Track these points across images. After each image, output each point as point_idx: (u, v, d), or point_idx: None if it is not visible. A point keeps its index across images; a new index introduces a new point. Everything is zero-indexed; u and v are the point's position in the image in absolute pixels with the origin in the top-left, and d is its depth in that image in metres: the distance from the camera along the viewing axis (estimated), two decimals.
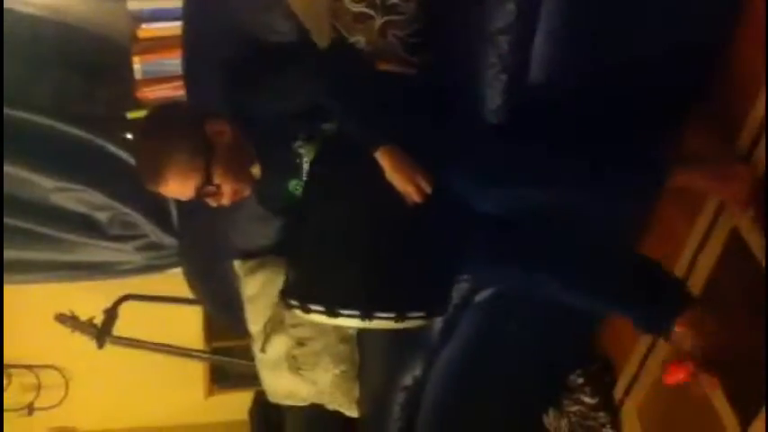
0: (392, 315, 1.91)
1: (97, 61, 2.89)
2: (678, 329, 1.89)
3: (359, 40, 2.14)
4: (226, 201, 2.06)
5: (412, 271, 1.96)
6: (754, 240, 1.94)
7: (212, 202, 2.05)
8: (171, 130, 2.01)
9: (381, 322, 1.91)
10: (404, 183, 1.89)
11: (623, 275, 2.01)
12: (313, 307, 1.94)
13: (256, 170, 2.12)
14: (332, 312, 1.91)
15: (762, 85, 1.91)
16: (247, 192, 2.11)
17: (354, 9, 2.13)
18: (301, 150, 2.09)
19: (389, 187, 1.90)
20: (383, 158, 1.89)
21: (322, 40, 2.21)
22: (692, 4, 1.97)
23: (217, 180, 2.00)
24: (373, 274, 1.93)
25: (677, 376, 1.99)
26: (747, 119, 1.96)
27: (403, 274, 1.95)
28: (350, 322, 1.93)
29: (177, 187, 1.99)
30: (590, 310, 2.14)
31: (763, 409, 1.91)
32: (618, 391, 2.63)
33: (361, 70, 2.10)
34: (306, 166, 2.10)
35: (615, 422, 2.62)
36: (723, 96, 2.05)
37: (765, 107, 1.89)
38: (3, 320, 3.35)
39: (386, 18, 2.12)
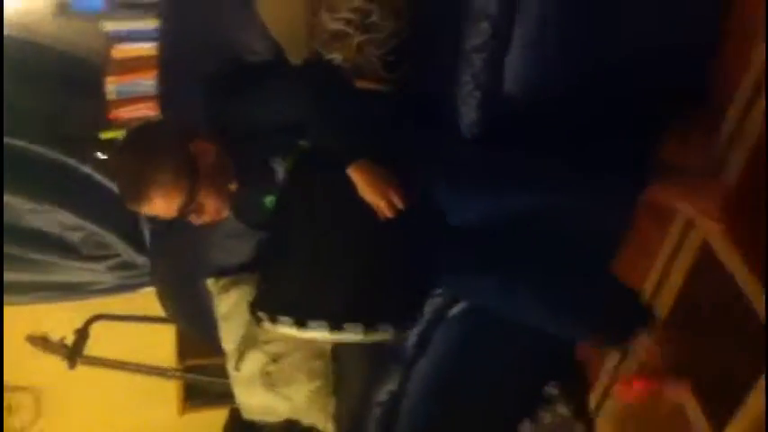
0: (361, 327, 1.92)
1: (70, 81, 2.89)
2: (638, 344, 1.90)
3: (336, 57, 2.16)
4: (208, 219, 2.06)
5: (382, 283, 1.97)
6: (724, 252, 1.99)
7: (195, 221, 2.05)
8: (155, 148, 2.00)
9: (350, 335, 1.92)
10: (375, 198, 1.91)
11: (592, 294, 2.05)
12: (281, 318, 1.95)
13: (234, 186, 2.13)
14: (300, 323, 1.92)
15: (733, 99, 1.96)
16: (227, 212, 2.12)
17: (332, 27, 2.15)
18: (278, 167, 2.10)
19: (362, 201, 1.92)
20: (355, 174, 1.91)
21: (298, 58, 2.23)
22: (663, 23, 2.01)
23: (201, 199, 2.00)
24: (342, 285, 1.94)
25: (628, 395, 2.01)
26: (719, 131, 2.00)
27: (373, 287, 1.96)
28: (318, 334, 1.94)
29: (161, 206, 1.99)
30: (554, 328, 2.15)
31: (735, 416, 1.96)
32: (592, 402, 2.65)
33: (336, 86, 2.11)
34: (282, 182, 2.12)
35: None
36: (697, 110, 2.09)
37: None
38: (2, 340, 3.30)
39: (364, 36, 2.15)
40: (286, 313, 1.94)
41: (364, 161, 1.91)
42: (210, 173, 2.02)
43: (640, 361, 1.95)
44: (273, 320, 1.96)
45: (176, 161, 1.98)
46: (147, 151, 2.01)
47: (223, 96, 2.16)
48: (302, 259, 1.98)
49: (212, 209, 2.04)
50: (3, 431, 3.66)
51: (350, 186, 1.92)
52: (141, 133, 2.15)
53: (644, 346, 1.90)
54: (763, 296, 1.84)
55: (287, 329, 1.96)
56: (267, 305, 2.01)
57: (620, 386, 2.02)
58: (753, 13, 1.89)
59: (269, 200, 2.15)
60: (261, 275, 2.21)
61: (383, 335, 1.98)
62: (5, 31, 2.77)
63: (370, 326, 1.93)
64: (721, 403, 2.01)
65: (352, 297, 1.94)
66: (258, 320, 2.03)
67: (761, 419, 1.86)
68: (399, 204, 1.90)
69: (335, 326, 1.91)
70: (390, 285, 1.99)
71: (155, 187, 1.95)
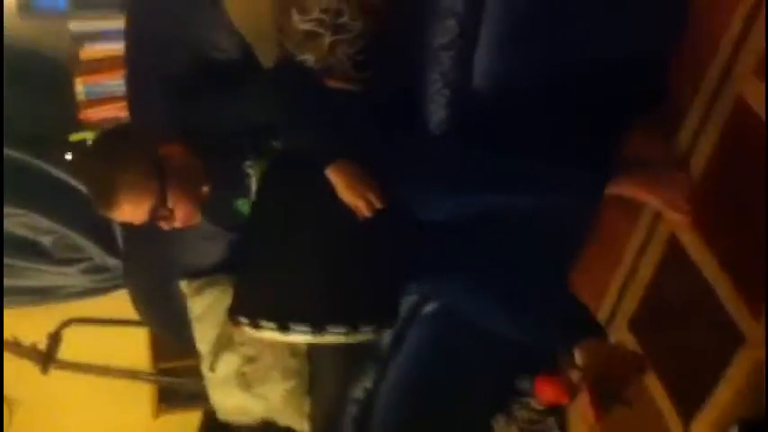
0: (343, 329, 1.93)
1: (39, 82, 2.87)
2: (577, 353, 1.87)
3: (308, 58, 2.16)
4: (179, 224, 2.06)
5: (362, 285, 1.98)
6: (691, 245, 2.01)
7: (165, 226, 2.05)
8: (123, 153, 2.00)
9: (333, 337, 1.93)
10: (354, 198, 1.91)
11: (550, 302, 2.03)
12: (263, 323, 1.95)
13: (206, 189, 2.13)
14: (283, 328, 1.92)
15: (698, 89, 1.98)
16: (198, 218, 2.12)
17: (303, 27, 2.15)
18: (250, 170, 2.10)
19: (339, 202, 1.92)
20: (333, 175, 1.91)
21: (268, 57, 2.22)
22: (626, 23, 2.02)
23: (170, 203, 2.00)
24: (324, 288, 1.95)
25: (547, 395, 2.02)
26: (684, 125, 2.03)
27: (353, 288, 1.97)
28: (301, 338, 1.95)
29: (131, 211, 1.99)
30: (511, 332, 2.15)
31: (704, 407, 1.98)
32: None
33: (308, 87, 2.11)
34: (254, 185, 2.12)
35: (563, 425, 2.66)
36: (661, 103, 2.11)
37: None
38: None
39: (335, 36, 2.15)
40: (268, 318, 1.94)
41: (342, 162, 1.92)
42: (180, 176, 2.02)
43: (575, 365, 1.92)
44: (255, 326, 1.96)
45: (144, 165, 1.98)
46: (114, 156, 2.01)
47: (191, 99, 2.15)
48: (281, 263, 1.99)
49: (182, 214, 2.04)
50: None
51: (325, 187, 1.92)
52: (109, 138, 2.15)
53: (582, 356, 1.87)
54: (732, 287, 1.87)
55: (269, 334, 1.96)
56: (248, 310, 2.00)
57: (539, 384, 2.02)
58: (715, 12, 1.92)
59: (240, 202, 2.15)
60: (238, 279, 2.21)
61: (365, 335, 1.99)
62: None
63: (352, 327, 1.94)
64: (690, 395, 2.03)
65: (333, 299, 1.95)
66: (238, 325, 2.02)
67: (729, 411, 1.89)
68: (377, 204, 1.91)
69: (318, 329, 1.92)
70: (370, 285, 2.00)
71: (123, 192, 1.95)
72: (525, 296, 2.01)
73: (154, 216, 2.00)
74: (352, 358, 2.50)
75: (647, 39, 2.05)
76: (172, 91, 2.24)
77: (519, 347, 2.67)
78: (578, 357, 1.83)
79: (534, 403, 2.67)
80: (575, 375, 1.92)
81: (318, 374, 2.70)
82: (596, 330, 1.92)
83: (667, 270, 2.13)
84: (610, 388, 1.76)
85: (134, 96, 2.53)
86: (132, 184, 1.95)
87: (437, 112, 2.02)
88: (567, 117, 2.03)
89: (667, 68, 2.08)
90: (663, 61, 2.07)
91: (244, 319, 1.99)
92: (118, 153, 2.01)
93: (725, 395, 1.90)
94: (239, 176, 2.12)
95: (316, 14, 2.14)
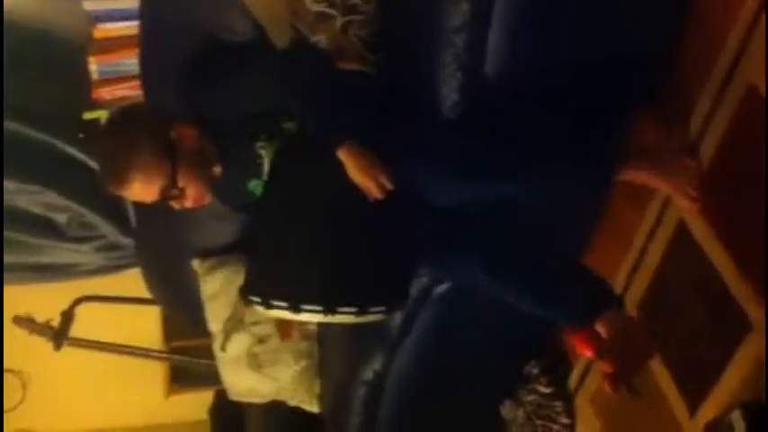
0: (354, 309, 1.93)
1: (53, 62, 2.88)
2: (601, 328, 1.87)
3: (321, 39, 2.16)
4: (189, 204, 2.08)
5: (373, 265, 1.99)
6: (699, 231, 2.01)
7: (175, 206, 2.06)
8: (135, 132, 2.02)
9: (343, 317, 1.93)
10: (365, 179, 1.91)
11: (559, 277, 2.01)
12: (275, 303, 1.95)
13: (218, 169, 2.14)
14: (294, 308, 1.93)
15: (707, 78, 1.97)
16: (209, 198, 2.13)
17: (315, 9, 2.15)
18: (262, 150, 2.11)
19: (350, 183, 1.92)
20: (344, 155, 1.91)
21: (281, 39, 2.23)
22: (636, 8, 2.01)
23: (181, 183, 2.02)
24: (335, 269, 1.95)
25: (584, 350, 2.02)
26: (694, 112, 2.02)
27: (364, 269, 1.97)
28: (312, 317, 1.95)
29: (141, 190, 2.01)
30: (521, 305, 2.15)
31: (710, 393, 1.99)
32: (572, 381, 2.69)
33: (321, 69, 2.10)
34: (266, 166, 2.12)
35: (570, 410, 2.67)
36: (671, 90, 2.11)
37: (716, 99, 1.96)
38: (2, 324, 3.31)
39: (347, 18, 2.15)
40: (279, 298, 1.94)
41: (353, 143, 1.91)
42: (191, 157, 2.03)
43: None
44: (267, 305, 1.97)
45: (156, 145, 1.99)
46: (126, 135, 2.03)
47: (204, 81, 2.16)
48: (292, 243, 1.99)
49: (193, 194, 2.06)
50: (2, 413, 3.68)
51: (337, 169, 1.92)
52: (121, 118, 2.17)
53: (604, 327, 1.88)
54: (739, 274, 1.87)
55: (281, 313, 1.97)
56: (260, 290, 2.01)
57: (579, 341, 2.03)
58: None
59: (253, 183, 2.16)
60: (250, 259, 2.22)
61: (375, 316, 1.99)
62: None
63: (362, 307, 1.94)
64: (696, 381, 2.04)
65: (344, 279, 1.95)
66: (250, 304, 2.04)
67: (735, 397, 1.89)
68: (388, 185, 1.91)
69: (329, 309, 1.91)
70: (380, 266, 2.01)
71: (134, 171, 1.97)
72: (545, 273, 2.01)
73: (164, 196, 2.02)
74: (361, 340, 2.51)
75: (658, 20, 2.04)
76: (186, 72, 2.25)
77: (528, 332, 2.70)
78: (601, 329, 1.84)
79: (541, 388, 2.69)
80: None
81: (328, 356, 2.72)
82: (617, 301, 1.93)
83: (675, 256, 2.13)
84: (628, 364, 1.78)
85: (148, 77, 2.55)
86: (144, 164, 1.97)
87: (450, 95, 2.02)
88: (578, 103, 2.03)
89: (676, 51, 2.07)
90: (672, 44, 2.07)
91: (256, 299, 2.00)
92: (130, 133, 2.03)
93: (731, 381, 1.91)
94: (251, 157, 2.12)
95: None
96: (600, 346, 1.83)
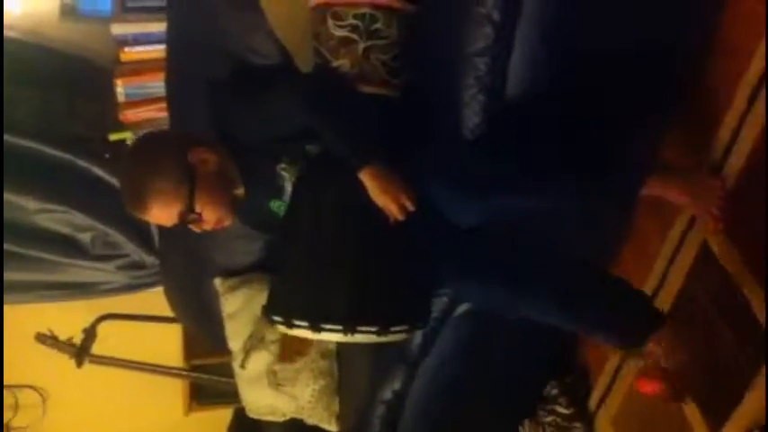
0: (374, 329, 1.94)
1: (80, 84, 2.92)
2: (650, 346, 1.94)
3: (343, 63, 2.19)
4: (208, 227, 2.10)
5: (394, 285, 1.99)
6: (722, 252, 2.02)
7: (195, 229, 2.09)
8: (154, 158, 2.04)
9: (364, 336, 1.94)
10: (387, 201, 1.92)
11: (597, 293, 2.04)
12: (296, 322, 1.96)
13: (241, 191, 2.16)
14: (315, 327, 1.94)
15: (733, 96, 1.98)
16: (229, 220, 2.15)
17: (338, 34, 2.18)
18: (284, 172, 2.13)
19: (372, 205, 1.94)
20: (366, 178, 1.92)
21: (305, 63, 2.25)
22: (664, 17, 2.02)
23: (199, 208, 2.03)
24: (356, 288, 1.95)
25: (651, 387, 2.05)
26: (719, 132, 2.03)
27: (385, 289, 1.98)
28: (333, 336, 1.96)
29: (160, 214, 2.03)
30: (560, 326, 2.16)
31: (732, 415, 1.99)
32: (592, 402, 2.69)
33: (344, 92, 2.13)
34: (288, 187, 2.14)
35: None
36: (696, 110, 2.12)
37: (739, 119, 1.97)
38: (2, 340, 3.33)
39: (369, 42, 2.17)
40: (301, 318, 1.96)
41: (375, 165, 1.93)
42: (210, 182, 2.05)
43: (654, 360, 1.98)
44: (289, 325, 1.98)
45: (175, 170, 2.01)
46: (145, 161, 2.05)
47: (229, 103, 2.19)
48: (314, 263, 2.00)
49: (212, 218, 2.07)
50: (2, 426, 3.68)
51: (358, 190, 1.93)
52: (142, 143, 2.20)
53: (655, 346, 1.93)
54: (763, 296, 1.87)
55: (302, 333, 1.98)
56: (282, 309, 2.03)
57: (642, 378, 2.05)
58: (751, 11, 1.92)
59: (275, 204, 2.18)
60: (273, 278, 2.23)
61: (396, 336, 2.00)
62: (13, 34, 2.81)
63: (383, 328, 1.95)
64: (719, 403, 2.03)
65: (365, 300, 1.96)
66: (273, 323, 2.05)
67: (758, 419, 1.89)
68: (410, 207, 1.93)
69: (349, 329, 1.92)
70: (401, 286, 2.01)
71: (152, 196, 1.99)
72: (584, 294, 2.03)
73: (183, 220, 2.03)
74: (381, 359, 2.51)
75: (678, 43, 2.06)
76: (211, 94, 2.28)
77: (549, 352, 2.71)
78: (654, 349, 1.89)
79: (561, 408, 2.69)
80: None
81: (348, 375, 2.72)
82: (661, 319, 1.96)
83: (699, 276, 2.13)
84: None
85: (174, 99, 2.58)
86: (161, 190, 1.99)
87: (472, 117, 2.04)
88: (601, 121, 2.04)
89: (699, 71, 2.09)
90: (693, 64, 2.09)
91: (278, 318, 2.02)
92: (149, 158, 2.05)
93: (754, 403, 1.90)
94: (274, 178, 2.14)
95: (350, 21, 2.17)
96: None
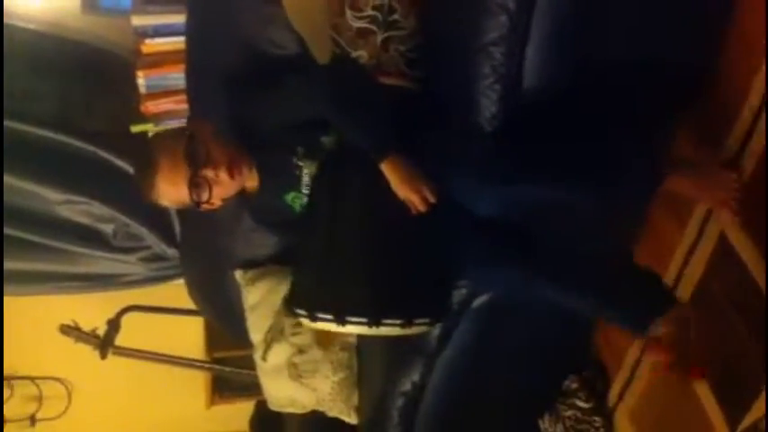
0: (399, 321, 1.95)
1: (102, 75, 2.95)
2: (664, 329, 1.93)
3: (362, 54, 2.19)
4: (223, 189, 2.05)
5: (417, 277, 2.00)
6: (740, 244, 2.00)
7: (210, 196, 2.03)
8: (156, 137, 2.15)
9: (388, 329, 1.96)
10: (408, 192, 1.93)
11: (615, 278, 2.05)
12: (320, 315, 1.98)
13: (253, 182, 2.17)
14: (340, 320, 1.95)
15: (749, 89, 1.97)
16: (246, 179, 2.12)
17: (357, 25, 2.18)
18: (301, 163, 2.14)
19: (394, 196, 1.94)
20: (388, 169, 1.93)
21: (323, 54, 2.26)
22: (682, 10, 2.01)
23: (202, 153, 1.99)
24: (380, 281, 1.97)
25: (657, 354, 2.03)
26: (735, 125, 2.01)
27: (409, 281, 1.99)
28: (358, 329, 1.97)
29: (168, 176, 1.99)
30: (579, 309, 2.15)
31: (751, 408, 1.97)
32: (611, 396, 2.68)
33: (363, 83, 2.14)
34: (305, 179, 2.14)
35: (609, 426, 2.66)
36: (711, 103, 2.10)
37: (753, 113, 1.95)
38: (3, 331, 3.37)
39: (387, 33, 2.18)
40: (325, 311, 1.97)
41: (396, 157, 1.93)
42: (212, 139, 2.04)
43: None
44: (313, 318, 1.99)
45: (175, 138, 2.04)
46: (151, 144, 2.12)
47: (247, 94, 2.20)
48: (337, 257, 2.01)
49: (225, 176, 2.02)
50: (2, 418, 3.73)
51: (380, 183, 1.94)
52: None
53: (670, 330, 1.92)
54: None
55: (326, 326, 1.99)
56: (305, 302, 2.04)
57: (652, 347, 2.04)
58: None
59: (290, 196, 2.18)
60: (295, 272, 2.24)
61: (420, 328, 2.02)
62: (34, 28, 2.84)
63: (407, 320, 1.96)
64: (737, 396, 2.02)
65: (389, 292, 1.97)
66: (296, 316, 2.05)
67: None
68: (431, 199, 1.93)
69: (374, 321, 1.94)
70: (424, 279, 2.02)
71: (158, 159, 2.00)
72: (598, 279, 2.03)
73: (194, 181, 1.98)
74: (400, 351, 2.52)
75: (692, 33, 2.04)
76: (229, 85, 2.29)
77: (568, 345, 2.69)
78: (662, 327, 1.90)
79: (580, 402, 2.67)
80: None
81: (367, 368, 2.72)
82: (672, 299, 1.96)
83: (717, 270, 2.12)
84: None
85: (194, 91, 2.59)
86: (166, 151, 2.00)
87: (489, 107, 2.03)
88: (617, 110, 2.03)
89: (715, 62, 2.08)
90: (710, 56, 2.07)
91: (302, 312, 2.03)
92: (154, 140, 2.10)
93: None
94: (289, 170, 2.15)
95: (368, 11, 2.17)
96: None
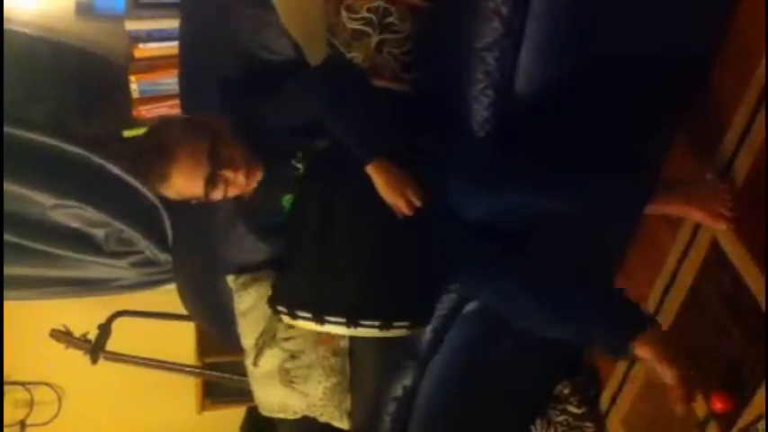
0: (377, 323, 1.94)
1: (94, 80, 2.94)
2: (639, 350, 1.89)
3: (355, 56, 2.20)
4: (235, 190, 2.05)
5: (398, 280, 2.00)
6: (733, 251, 2.00)
7: (224, 196, 2.03)
8: (173, 126, 2.06)
9: (366, 330, 1.95)
10: (394, 196, 1.93)
11: (594, 300, 2.02)
12: (300, 313, 1.98)
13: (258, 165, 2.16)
14: (318, 319, 1.95)
15: (739, 103, 1.98)
16: (260, 175, 2.12)
17: (352, 26, 2.19)
18: (299, 165, 2.14)
19: (379, 199, 1.94)
20: (373, 172, 1.93)
21: (318, 56, 2.26)
22: (674, 16, 2.02)
23: (226, 154, 1.99)
24: (360, 282, 1.96)
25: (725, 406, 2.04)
26: (727, 133, 2.02)
27: (389, 283, 1.98)
28: (335, 329, 1.97)
29: (186, 171, 1.98)
30: (560, 334, 2.14)
31: (743, 415, 1.97)
32: (603, 402, 2.68)
33: (356, 84, 2.13)
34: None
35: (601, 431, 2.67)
36: (705, 106, 2.11)
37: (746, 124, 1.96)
38: (2, 336, 3.36)
39: (382, 36, 2.18)
40: (305, 309, 1.97)
41: (383, 160, 1.93)
42: (231, 135, 2.04)
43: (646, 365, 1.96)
44: (293, 315, 1.99)
45: (195, 127, 2.02)
46: (165, 129, 2.07)
47: (243, 100, 2.20)
48: (319, 256, 2.01)
49: (243, 167, 2.03)
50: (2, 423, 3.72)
51: (365, 185, 1.94)
52: (158, 122, 2.21)
53: (646, 350, 1.90)
54: None
55: (305, 324, 1.99)
56: (286, 300, 2.04)
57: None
58: (760, 12, 1.91)
59: (286, 199, 2.18)
60: (279, 270, 2.24)
61: (398, 331, 2.00)
62: (28, 32, 2.83)
63: (385, 322, 1.95)
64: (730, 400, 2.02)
65: (368, 294, 1.97)
66: (277, 313, 2.06)
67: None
68: (417, 203, 1.93)
69: (352, 322, 1.93)
70: (406, 282, 2.01)
71: (178, 150, 1.97)
72: (573, 297, 2.01)
73: (214, 175, 1.98)
74: (392, 356, 2.52)
75: (687, 41, 2.05)
76: (224, 91, 2.29)
77: (560, 351, 2.69)
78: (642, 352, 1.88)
79: (572, 408, 2.68)
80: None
81: (359, 373, 2.73)
82: (650, 322, 1.93)
83: (709, 276, 2.12)
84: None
85: (187, 97, 2.60)
86: (185, 141, 1.98)
87: (481, 112, 2.04)
88: (609, 118, 2.04)
89: (708, 71, 2.08)
90: (703, 64, 2.08)
91: (282, 308, 2.03)
92: (168, 126, 2.07)
93: (764, 403, 1.89)
94: (287, 173, 2.15)
95: (363, 13, 2.18)
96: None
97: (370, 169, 1.93)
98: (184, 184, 2.00)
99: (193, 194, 2.02)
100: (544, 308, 2.01)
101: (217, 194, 2.02)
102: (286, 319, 2.02)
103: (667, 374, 1.85)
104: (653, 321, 1.93)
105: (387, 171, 1.93)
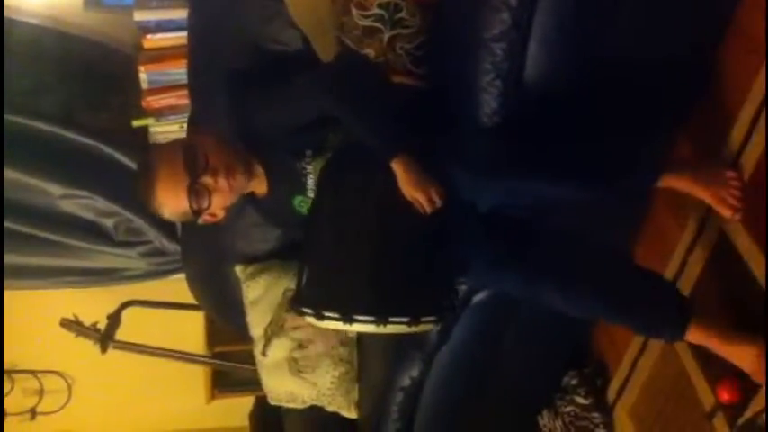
0: (406, 320, 1.93)
1: (104, 71, 2.95)
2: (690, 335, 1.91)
3: (368, 53, 2.20)
4: (222, 197, 2.05)
5: (424, 276, 2.00)
6: (740, 242, 2.00)
7: (210, 203, 2.03)
8: (155, 149, 2.20)
9: (395, 327, 1.94)
10: (416, 193, 1.92)
11: (623, 284, 2.02)
12: (327, 314, 1.96)
13: (262, 186, 2.18)
14: (347, 319, 1.94)
15: (749, 89, 1.96)
16: (244, 186, 2.14)
17: (363, 23, 2.18)
18: (308, 166, 2.14)
19: (401, 196, 1.94)
20: (397, 168, 1.92)
21: (327, 52, 2.26)
22: (681, 10, 2.01)
23: (202, 161, 1.99)
24: (386, 279, 1.96)
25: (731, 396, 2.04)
26: (735, 123, 2.01)
27: (416, 280, 1.98)
28: (365, 328, 1.95)
29: (168, 186, 2.00)
30: (588, 317, 2.13)
31: (749, 407, 1.97)
32: (610, 392, 2.67)
33: (372, 81, 2.14)
34: (311, 183, 2.15)
35: (608, 422, 2.66)
36: (711, 101, 2.10)
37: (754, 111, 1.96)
38: (2, 324, 3.38)
39: (394, 32, 2.18)
40: (333, 310, 1.96)
41: (405, 156, 1.92)
42: (212, 146, 2.04)
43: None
44: (319, 317, 1.98)
45: (175, 147, 2.05)
46: (151, 154, 2.12)
47: (251, 92, 2.20)
48: (343, 255, 2.00)
49: (224, 183, 2.02)
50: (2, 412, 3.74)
51: (385, 180, 1.93)
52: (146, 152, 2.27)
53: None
54: None
55: (333, 324, 1.98)
56: (312, 302, 2.02)
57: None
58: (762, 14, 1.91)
59: (297, 200, 2.19)
60: (301, 270, 2.23)
61: (427, 326, 2.01)
62: (37, 23, 2.85)
63: (414, 318, 1.95)
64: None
65: (396, 290, 1.96)
66: (303, 315, 2.05)
67: None
68: (438, 201, 1.93)
69: (381, 320, 1.92)
70: (430, 276, 2.01)
71: (159, 168, 2.01)
72: (588, 277, 2.01)
73: (193, 186, 1.99)
74: (400, 347, 2.53)
75: (694, 30, 2.04)
76: (232, 82, 2.29)
77: (567, 342, 2.70)
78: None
79: (579, 399, 2.68)
80: None
81: (367, 363, 2.74)
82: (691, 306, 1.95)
83: (717, 267, 2.11)
84: None
85: (195, 88, 2.60)
86: (166, 158, 2.02)
87: (489, 102, 2.03)
88: (617, 110, 2.03)
89: (713, 60, 2.08)
90: (709, 52, 2.07)
91: (308, 310, 2.01)
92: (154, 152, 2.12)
93: None
94: (297, 174, 2.15)
95: (374, 10, 2.18)
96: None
97: (395, 165, 1.92)
98: (171, 200, 2.02)
99: (183, 209, 2.03)
100: (564, 294, 2.00)
101: (203, 203, 2.02)
102: (311, 320, 2.01)
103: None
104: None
105: (410, 168, 1.92)
